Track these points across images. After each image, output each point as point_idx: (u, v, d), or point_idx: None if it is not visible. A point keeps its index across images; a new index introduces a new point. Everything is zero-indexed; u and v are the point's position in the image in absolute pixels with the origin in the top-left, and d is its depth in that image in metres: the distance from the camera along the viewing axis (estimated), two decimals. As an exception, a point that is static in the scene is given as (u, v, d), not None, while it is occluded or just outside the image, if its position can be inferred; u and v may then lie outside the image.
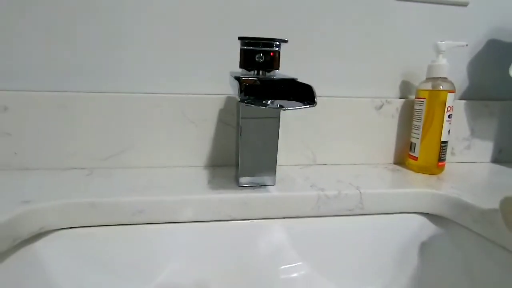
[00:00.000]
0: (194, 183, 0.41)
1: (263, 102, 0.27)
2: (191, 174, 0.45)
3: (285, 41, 0.33)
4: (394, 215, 0.41)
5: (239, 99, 0.27)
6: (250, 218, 0.38)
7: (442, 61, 0.47)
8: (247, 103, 0.27)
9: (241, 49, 0.34)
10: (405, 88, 0.55)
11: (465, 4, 0.54)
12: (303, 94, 0.29)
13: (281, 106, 0.27)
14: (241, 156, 0.38)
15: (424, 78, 0.51)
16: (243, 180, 0.39)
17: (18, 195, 0.35)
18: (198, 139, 0.48)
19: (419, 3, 0.53)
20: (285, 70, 0.40)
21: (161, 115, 0.47)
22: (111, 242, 0.35)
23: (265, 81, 0.32)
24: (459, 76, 0.56)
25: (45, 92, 0.45)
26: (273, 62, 0.34)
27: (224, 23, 0.48)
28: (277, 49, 0.34)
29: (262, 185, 0.40)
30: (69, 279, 0.33)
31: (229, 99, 0.48)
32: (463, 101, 0.56)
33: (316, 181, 0.43)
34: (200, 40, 0.48)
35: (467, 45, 0.49)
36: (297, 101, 0.29)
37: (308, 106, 0.28)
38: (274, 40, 0.33)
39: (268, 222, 0.39)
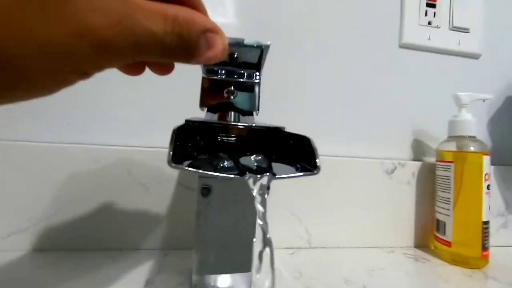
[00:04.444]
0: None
1: (219, 164, 0.15)
2: (127, 265, 0.30)
3: (267, 46, 0.22)
4: None
5: (168, 157, 0.14)
6: None
7: (467, 116, 0.38)
8: (177, 164, 0.14)
9: (203, 78, 0.23)
10: (418, 148, 0.45)
11: (476, 57, 0.48)
12: (295, 152, 0.17)
13: (253, 172, 0.15)
14: (198, 244, 0.24)
15: (441, 136, 0.41)
16: (199, 282, 0.25)
17: None
18: (148, 209, 0.35)
19: (426, 53, 0.46)
20: (271, 120, 0.29)
21: (99, 174, 0.34)
22: None
23: (229, 128, 0.20)
24: (481, 136, 0.47)
25: None
26: (250, 99, 0.23)
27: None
28: (257, 80, 0.23)
29: (229, 292, 0.25)
30: None
31: (195, 155, 0.36)
32: (492, 167, 0.45)
33: (313, 281, 0.29)
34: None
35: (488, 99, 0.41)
36: (283, 163, 0.16)
37: (303, 174, 0.16)
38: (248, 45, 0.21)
39: None
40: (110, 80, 0.36)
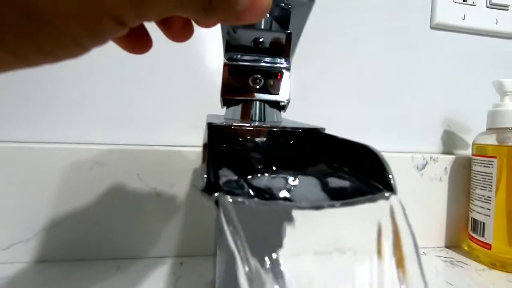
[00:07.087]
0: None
1: (266, 192, 0.12)
2: (140, 275, 0.27)
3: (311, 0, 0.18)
4: None
5: (200, 186, 0.11)
6: None
7: (511, 105, 0.34)
8: (226, 192, 0.11)
9: (224, 65, 0.20)
10: (451, 141, 0.41)
11: (515, 37, 0.43)
12: (353, 166, 0.14)
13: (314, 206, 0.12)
14: (219, 274, 0.21)
15: (476, 128, 0.37)
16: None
17: None
18: (159, 215, 0.31)
19: (460, 34, 0.41)
20: (292, 115, 0.26)
21: (102, 177, 0.30)
22: None
23: (259, 131, 0.17)
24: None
25: None
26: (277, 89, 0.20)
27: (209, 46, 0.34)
28: (285, 64, 0.19)
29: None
30: None
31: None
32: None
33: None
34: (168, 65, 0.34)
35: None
36: (340, 179, 0.13)
37: (374, 197, 0.12)
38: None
39: None
40: (115, 70, 0.33)
